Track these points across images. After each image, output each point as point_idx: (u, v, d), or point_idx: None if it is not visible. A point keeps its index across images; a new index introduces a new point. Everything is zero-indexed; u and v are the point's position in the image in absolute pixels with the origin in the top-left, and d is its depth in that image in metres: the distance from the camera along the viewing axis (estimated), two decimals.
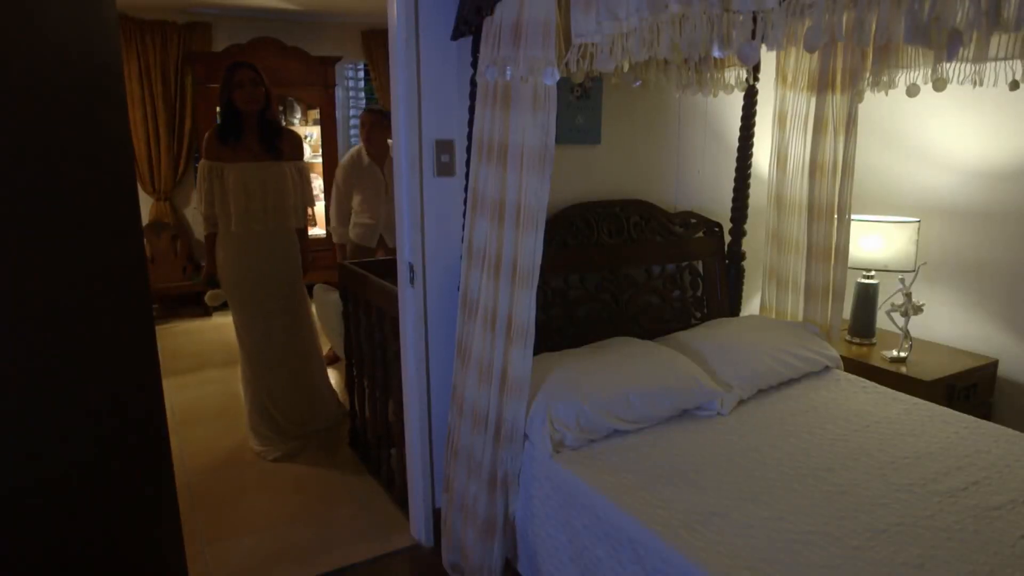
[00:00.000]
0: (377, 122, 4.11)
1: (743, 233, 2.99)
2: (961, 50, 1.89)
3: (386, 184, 4.10)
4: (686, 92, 2.77)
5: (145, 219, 5.63)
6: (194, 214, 6.00)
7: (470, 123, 2.15)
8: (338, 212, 4.21)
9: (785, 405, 2.39)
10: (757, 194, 3.08)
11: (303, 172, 3.29)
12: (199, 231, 6.01)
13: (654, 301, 2.91)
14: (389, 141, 4.19)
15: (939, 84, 2.25)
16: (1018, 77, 2.11)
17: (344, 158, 4.24)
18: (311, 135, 6.11)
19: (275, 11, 5.56)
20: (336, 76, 6.09)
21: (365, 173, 4.12)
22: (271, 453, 3.24)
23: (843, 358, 2.82)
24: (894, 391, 2.52)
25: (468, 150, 2.17)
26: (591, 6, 1.64)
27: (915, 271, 2.90)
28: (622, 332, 2.77)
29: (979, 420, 2.27)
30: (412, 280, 2.34)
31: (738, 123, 2.91)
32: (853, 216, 2.91)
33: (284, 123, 4.79)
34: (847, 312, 3.10)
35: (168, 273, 5.66)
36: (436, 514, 2.51)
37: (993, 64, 2.14)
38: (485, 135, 2.01)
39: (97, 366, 1.55)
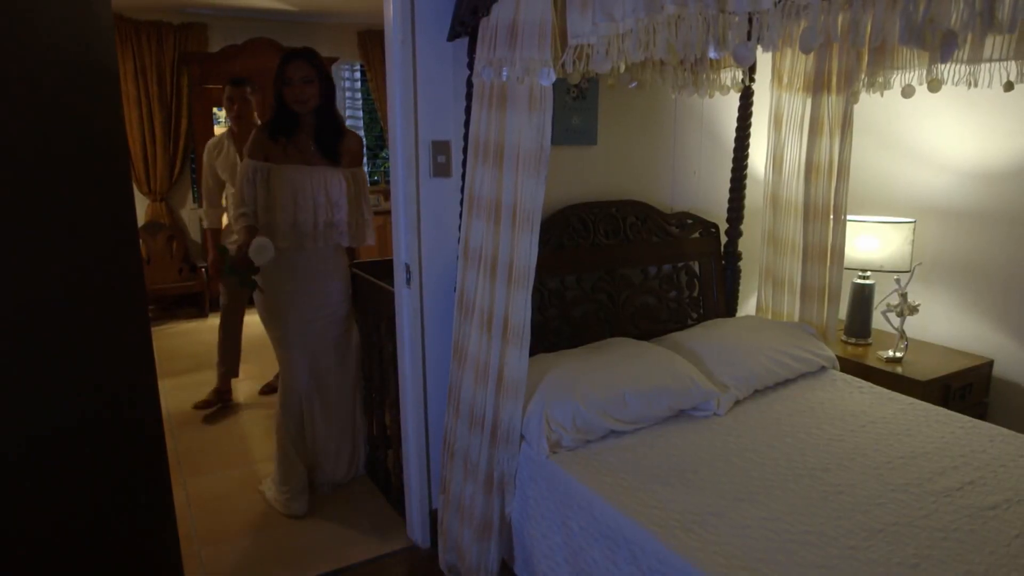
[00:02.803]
0: (246, 96, 3.67)
1: (739, 234, 2.99)
2: (956, 51, 1.90)
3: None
4: (682, 93, 2.77)
5: (141, 220, 5.61)
6: (191, 215, 5.98)
7: (466, 124, 2.15)
8: (206, 193, 3.70)
9: (781, 405, 2.39)
10: (753, 195, 3.08)
11: (359, 179, 2.81)
12: (195, 232, 5.99)
13: (650, 302, 2.92)
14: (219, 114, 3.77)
15: (934, 85, 2.26)
16: (1012, 78, 2.12)
17: (214, 138, 3.75)
18: None
19: (271, 12, 5.55)
20: (332, 77, 6.09)
21: (223, 152, 3.60)
22: (290, 509, 2.76)
23: (839, 358, 2.82)
24: (890, 391, 2.52)
25: (464, 151, 2.17)
26: (587, 7, 1.64)
27: (911, 271, 2.90)
28: (618, 333, 2.77)
29: (974, 420, 2.27)
30: (408, 281, 2.34)
31: (734, 124, 2.92)
32: (849, 217, 2.92)
33: None
34: (843, 312, 3.10)
35: (164, 274, 5.64)
36: (433, 515, 2.51)
37: (988, 65, 2.15)
38: (481, 136, 2.01)
39: (93, 368, 1.54)
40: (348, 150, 2.75)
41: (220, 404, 3.81)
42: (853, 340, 3.08)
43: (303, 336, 2.75)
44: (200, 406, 3.75)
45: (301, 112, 2.64)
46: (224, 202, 3.68)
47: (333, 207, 2.69)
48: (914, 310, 2.84)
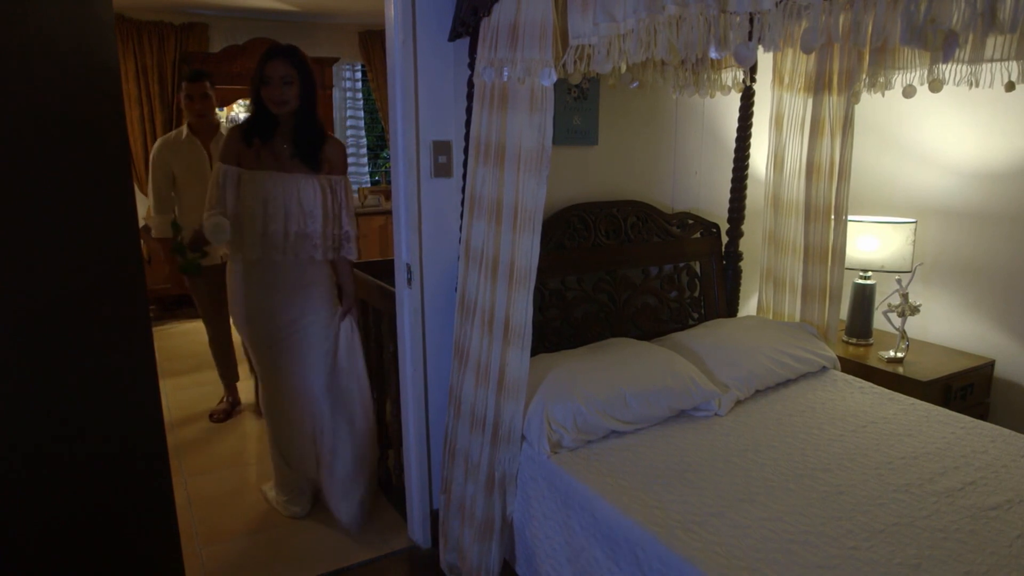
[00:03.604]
0: (206, 92, 3.39)
1: (740, 234, 2.99)
2: (957, 51, 1.90)
3: (211, 165, 3.31)
4: (683, 93, 2.77)
5: (141, 220, 5.61)
6: None
7: (467, 124, 2.15)
8: (156, 197, 3.44)
9: (782, 406, 2.39)
10: (754, 195, 3.08)
11: (339, 189, 2.59)
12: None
13: (651, 302, 2.92)
14: (220, 114, 3.51)
15: (935, 85, 2.26)
16: (1014, 78, 2.12)
17: (170, 134, 3.51)
18: None
19: (272, 12, 5.56)
20: (333, 77, 6.09)
21: (183, 150, 3.39)
22: (290, 511, 2.77)
23: (840, 359, 2.82)
24: (891, 391, 2.52)
25: (465, 151, 2.17)
26: (588, 7, 1.64)
27: (912, 272, 2.90)
28: (619, 333, 2.77)
29: (976, 420, 2.27)
30: (409, 281, 2.34)
31: (735, 124, 2.92)
32: (850, 217, 2.92)
33: None
34: (844, 313, 3.10)
35: (165, 274, 5.64)
36: (434, 515, 2.51)
37: (989, 65, 2.14)
38: (482, 136, 2.01)
39: (93, 367, 1.54)
40: (328, 158, 2.55)
41: (232, 409, 3.81)
42: (854, 340, 3.08)
43: (277, 348, 2.61)
44: (217, 418, 3.69)
45: (279, 113, 2.46)
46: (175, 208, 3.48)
47: (306, 217, 2.51)
48: (915, 310, 2.84)
